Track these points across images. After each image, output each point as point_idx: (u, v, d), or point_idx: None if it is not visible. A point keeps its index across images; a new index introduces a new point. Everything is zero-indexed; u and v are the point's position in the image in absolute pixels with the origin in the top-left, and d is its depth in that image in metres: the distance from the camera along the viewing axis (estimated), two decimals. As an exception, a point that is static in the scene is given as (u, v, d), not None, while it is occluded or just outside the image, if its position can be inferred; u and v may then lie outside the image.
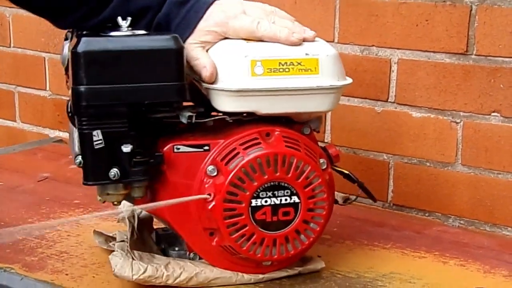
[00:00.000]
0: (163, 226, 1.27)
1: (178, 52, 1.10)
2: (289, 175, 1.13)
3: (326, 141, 1.64)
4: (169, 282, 1.15)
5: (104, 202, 1.16)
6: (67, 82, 1.16)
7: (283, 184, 1.13)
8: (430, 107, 1.52)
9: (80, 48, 1.06)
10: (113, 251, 1.18)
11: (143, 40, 1.11)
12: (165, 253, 1.22)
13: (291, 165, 1.13)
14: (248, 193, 1.12)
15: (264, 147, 1.13)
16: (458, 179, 1.51)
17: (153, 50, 1.09)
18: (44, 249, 1.31)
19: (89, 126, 1.09)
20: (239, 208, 1.12)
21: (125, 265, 1.14)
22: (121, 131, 1.10)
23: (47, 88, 2.08)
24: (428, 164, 1.54)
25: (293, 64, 1.15)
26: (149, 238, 1.24)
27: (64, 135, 2.06)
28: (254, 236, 1.13)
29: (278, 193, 1.13)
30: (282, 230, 1.15)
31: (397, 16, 1.53)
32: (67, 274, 1.22)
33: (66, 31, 1.23)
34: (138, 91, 1.09)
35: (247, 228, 1.13)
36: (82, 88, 1.07)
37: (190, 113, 1.14)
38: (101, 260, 1.26)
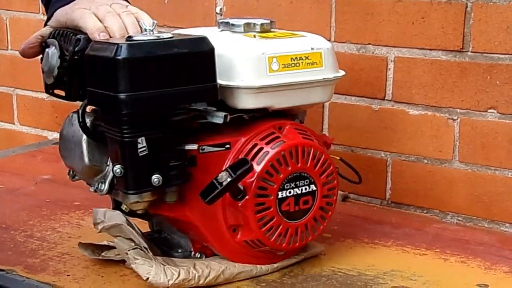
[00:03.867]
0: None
1: (212, 53, 1.12)
2: (308, 164, 1.17)
3: (324, 139, 1.64)
4: (201, 282, 1.17)
5: (129, 211, 1.17)
6: (50, 88, 1.19)
7: (303, 174, 1.17)
8: (427, 105, 1.52)
9: (122, 55, 1.04)
10: (109, 260, 1.22)
11: (179, 44, 1.10)
12: (168, 256, 1.23)
13: (309, 155, 1.17)
14: (275, 186, 1.15)
15: (286, 140, 1.16)
16: (456, 176, 1.51)
17: (191, 53, 1.10)
18: (46, 251, 1.31)
19: (133, 133, 1.08)
20: (267, 202, 1.15)
21: (158, 271, 1.14)
22: (163, 136, 1.10)
23: (45, 90, 2.08)
24: (425, 161, 1.55)
25: (302, 59, 1.20)
26: (150, 243, 1.25)
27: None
28: (280, 227, 1.17)
29: (299, 183, 1.17)
30: (303, 218, 1.19)
31: (393, 14, 1.53)
32: (68, 275, 1.22)
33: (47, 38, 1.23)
34: (179, 94, 1.09)
35: (274, 220, 1.16)
36: (123, 95, 1.05)
37: (224, 113, 1.15)
38: (102, 261, 1.26)
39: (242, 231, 1.17)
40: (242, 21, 1.23)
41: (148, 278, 1.14)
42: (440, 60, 1.49)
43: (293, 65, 1.19)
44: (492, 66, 1.44)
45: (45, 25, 1.25)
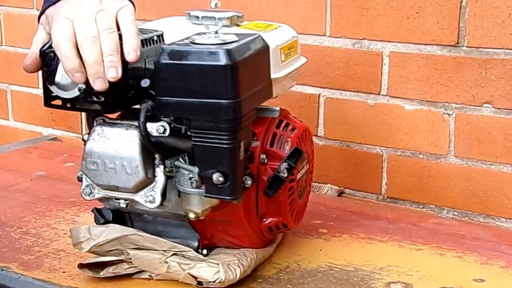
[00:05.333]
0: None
1: (268, 50, 1.15)
2: (307, 146, 1.24)
3: (319, 135, 1.64)
4: (250, 269, 1.18)
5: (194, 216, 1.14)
6: (68, 102, 1.11)
7: (305, 155, 1.22)
8: (422, 100, 1.52)
9: (230, 61, 1.03)
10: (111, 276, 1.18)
11: (252, 44, 1.11)
12: None
13: (310, 135, 1.26)
14: (297, 169, 1.20)
15: (296, 126, 1.21)
16: (451, 170, 1.52)
17: (260, 52, 1.13)
18: (41, 248, 1.31)
19: (237, 139, 1.07)
20: (293, 185, 1.20)
21: (225, 269, 1.14)
22: (251, 139, 1.13)
23: (40, 86, 2.07)
24: (421, 156, 1.55)
25: (291, 48, 1.25)
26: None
27: (58, 133, 2.06)
28: (297, 208, 1.23)
29: (303, 164, 1.22)
30: (304, 196, 1.27)
31: (388, 9, 1.53)
32: (64, 272, 1.22)
33: None
34: (260, 94, 1.13)
35: (295, 202, 1.22)
36: (233, 102, 1.04)
37: (278, 107, 1.21)
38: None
39: (270, 217, 1.20)
40: (227, 14, 1.19)
41: (219, 279, 1.13)
42: (435, 55, 1.49)
43: (289, 54, 1.24)
44: (487, 61, 1.44)
45: (39, 20, 1.19)
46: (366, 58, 1.57)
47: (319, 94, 1.63)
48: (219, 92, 1.04)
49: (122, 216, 1.23)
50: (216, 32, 1.09)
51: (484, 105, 1.46)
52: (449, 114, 1.50)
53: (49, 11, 1.14)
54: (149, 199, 1.11)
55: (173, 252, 1.16)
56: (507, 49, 1.42)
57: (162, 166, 1.11)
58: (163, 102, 1.07)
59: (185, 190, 1.11)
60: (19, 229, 1.39)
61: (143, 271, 1.18)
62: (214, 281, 1.13)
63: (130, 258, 1.17)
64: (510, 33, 1.41)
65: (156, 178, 1.11)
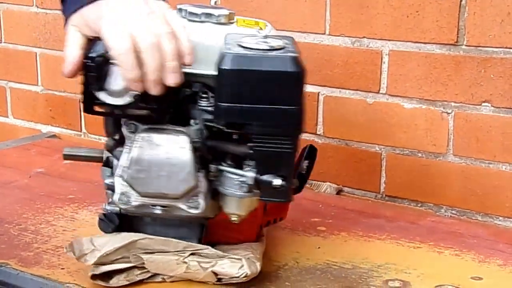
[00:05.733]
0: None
1: None
2: None
3: (318, 133, 1.65)
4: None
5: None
6: (121, 108, 1.07)
7: None
8: (421, 98, 1.52)
9: (299, 68, 1.04)
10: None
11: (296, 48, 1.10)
12: None
13: None
14: None
15: None
16: (450, 169, 1.52)
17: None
18: (40, 244, 1.31)
19: (297, 143, 1.08)
20: None
21: (248, 263, 1.14)
22: None
23: (39, 83, 2.08)
24: (420, 154, 1.55)
25: None
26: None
27: (57, 130, 2.06)
28: None
29: None
30: None
31: (387, 8, 1.53)
32: (63, 269, 1.22)
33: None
34: None
35: None
36: (299, 108, 1.05)
37: None
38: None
39: (272, 212, 1.21)
40: (225, 11, 1.17)
41: (244, 273, 1.13)
42: (434, 53, 1.50)
43: None
44: (487, 60, 1.44)
45: (66, 21, 1.10)
46: (366, 56, 1.57)
47: (318, 93, 1.63)
48: (287, 99, 1.04)
49: (127, 220, 1.20)
50: (266, 37, 1.08)
51: (483, 104, 1.46)
52: (448, 113, 1.50)
53: (85, 12, 1.06)
54: (193, 204, 1.10)
55: (190, 252, 1.15)
56: (506, 48, 1.42)
57: (204, 171, 1.10)
58: (226, 108, 1.05)
59: (234, 195, 1.11)
60: (18, 225, 1.39)
61: (156, 274, 1.16)
62: (239, 276, 1.13)
63: (143, 263, 1.14)
64: (510, 32, 1.41)
65: (198, 183, 1.10)
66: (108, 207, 1.16)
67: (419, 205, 1.56)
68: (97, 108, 1.07)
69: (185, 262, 1.14)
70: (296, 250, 1.28)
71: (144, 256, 1.14)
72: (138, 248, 1.14)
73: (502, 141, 1.45)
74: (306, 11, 1.62)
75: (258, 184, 1.08)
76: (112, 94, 1.05)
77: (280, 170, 1.07)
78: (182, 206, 1.10)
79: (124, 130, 1.10)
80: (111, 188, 1.13)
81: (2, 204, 1.49)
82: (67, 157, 1.22)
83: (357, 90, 1.60)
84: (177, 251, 1.14)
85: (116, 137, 1.13)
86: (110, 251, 1.13)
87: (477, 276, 1.20)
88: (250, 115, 1.05)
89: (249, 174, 1.08)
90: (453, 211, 1.53)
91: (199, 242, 1.18)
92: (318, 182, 1.63)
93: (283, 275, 1.20)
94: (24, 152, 1.87)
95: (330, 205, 1.50)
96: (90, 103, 1.06)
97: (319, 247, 1.30)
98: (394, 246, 1.32)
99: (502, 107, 1.44)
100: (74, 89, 2.01)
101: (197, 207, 1.10)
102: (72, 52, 1.05)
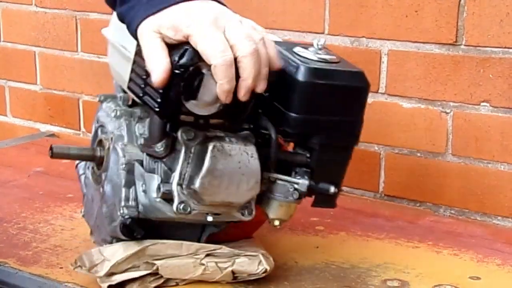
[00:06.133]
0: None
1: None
2: None
3: (317, 132, 1.64)
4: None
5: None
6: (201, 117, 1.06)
7: None
8: (420, 98, 1.52)
9: (366, 83, 1.13)
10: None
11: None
12: None
13: None
14: None
15: None
16: (449, 169, 1.52)
17: None
18: (39, 243, 1.31)
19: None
20: None
21: (266, 259, 1.15)
22: None
23: (38, 82, 2.08)
24: (418, 154, 1.55)
25: None
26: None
27: (56, 129, 2.06)
28: None
29: None
30: None
31: (386, 7, 1.53)
32: (61, 268, 1.22)
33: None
34: None
35: None
36: (360, 118, 1.14)
37: None
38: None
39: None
40: None
41: (263, 269, 1.14)
42: (433, 53, 1.50)
43: None
44: (486, 60, 1.44)
45: (137, 28, 1.04)
46: (365, 56, 1.57)
47: (317, 92, 1.63)
48: (353, 111, 1.12)
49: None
50: (320, 49, 1.11)
51: (482, 103, 1.46)
52: (447, 113, 1.50)
53: (171, 15, 1.01)
54: (247, 211, 1.11)
55: (206, 253, 1.14)
56: (505, 47, 1.42)
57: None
58: (296, 118, 1.08)
59: (285, 201, 1.13)
60: (17, 224, 1.39)
61: (168, 279, 1.14)
62: (258, 273, 1.14)
63: (157, 270, 1.13)
64: (508, 32, 1.41)
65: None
66: (126, 211, 1.11)
67: (418, 204, 1.56)
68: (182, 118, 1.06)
69: (203, 264, 1.13)
70: (295, 250, 1.28)
71: (158, 262, 1.12)
72: (148, 255, 1.12)
73: (501, 141, 1.45)
74: (305, 11, 1.62)
75: (311, 191, 1.12)
76: (199, 105, 1.03)
77: (333, 178, 1.12)
78: (237, 213, 1.11)
79: (181, 137, 1.07)
80: (168, 195, 1.08)
81: (1, 203, 1.49)
82: (56, 155, 1.18)
83: (356, 89, 1.59)
84: (191, 254, 1.14)
85: (160, 144, 1.10)
86: (121, 260, 1.11)
87: (475, 276, 1.20)
88: (319, 126, 1.10)
89: (303, 181, 1.11)
90: (452, 211, 1.53)
91: (198, 242, 1.18)
92: (317, 182, 1.63)
93: (281, 274, 1.20)
94: (23, 151, 1.88)
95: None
96: (176, 112, 1.04)
97: (317, 247, 1.30)
98: (392, 245, 1.32)
99: (501, 107, 1.44)
100: (73, 88, 2.01)
101: (251, 213, 1.12)
102: (162, 61, 1.00)
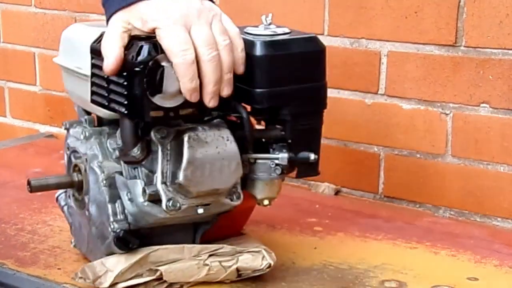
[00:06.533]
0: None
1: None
2: None
3: (316, 133, 1.64)
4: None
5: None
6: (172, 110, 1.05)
7: None
8: (420, 99, 1.52)
9: (323, 46, 1.15)
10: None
11: None
12: None
13: None
14: None
15: None
16: (448, 170, 1.51)
17: None
18: (36, 244, 1.31)
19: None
20: None
21: (268, 253, 1.17)
22: None
23: (38, 83, 2.08)
24: (418, 155, 1.55)
25: None
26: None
27: (55, 130, 2.06)
28: None
29: None
30: None
31: (386, 9, 1.53)
32: (59, 269, 1.22)
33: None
34: None
35: None
36: (324, 82, 1.16)
37: None
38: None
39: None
40: None
41: (267, 264, 1.15)
42: (433, 54, 1.49)
43: None
44: (485, 61, 1.44)
45: (109, 19, 1.06)
46: (364, 57, 1.57)
47: (317, 93, 1.63)
48: (315, 76, 1.13)
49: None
50: (270, 24, 1.15)
51: (482, 105, 1.46)
52: (447, 114, 1.50)
53: (143, 8, 1.02)
54: (235, 196, 1.12)
55: (208, 254, 1.14)
56: (504, 49, 1.42)
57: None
58: (263, 94, 1.10)
59: (269, 178, 1.14)
60: (15, 225, 1.39)
61: (172, 284, 1.14)
62: (262, 268, 1.15)
63: (161, 275, 1.12)
64: (508, 33, 1.41)
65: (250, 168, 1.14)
66: (117, 225, 1.12)
67: (417, 206, 1.56)
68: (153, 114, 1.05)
69: (207, 265, 1.14)
70: (293, 251, 1.28)
71: (161, 268, 1.12)
72: (150, 262, 1.12)
73: (501, 142, 1.45)
74: (304, 12, 1.62)
75: (292, 164, 1.13)
76: (166, 97, 1.03)
77: (311, 145, 1.14)
78: (225, 200, 1.11)
79: (155, 136, 1.07)
80: (155, 196, 1.09)
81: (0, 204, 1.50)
82: (35, 188, 1.19)
83: (355, 91, 1.59)
84: (194, 256, 1.14)
85: (135, 148, 1.10)
86: (124, 269, 1.11)
87: (473, 277, 1.20)
88: (286, 97, 1.11)
89: (283, 155, 1.13)
90: (451, 212, 1.52)
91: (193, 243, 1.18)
92: (316, 183, 1.63)
93: (279, 275, 1.20)
94: (22, 152, 1.88)
95: (327, 205, 1.50)
96: (147, 109, 1.03)
97: (315, 248, 1.30)
98: (390, 246, 1.32)
99: (501, 108, 1.44)
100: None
101: (239, 197, 1.12)
102: (115, 48, 1.01)
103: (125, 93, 1.02)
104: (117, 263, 1.12)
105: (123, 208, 1.12)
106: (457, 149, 1.50)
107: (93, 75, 1.09)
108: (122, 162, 1.13)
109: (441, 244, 1.33)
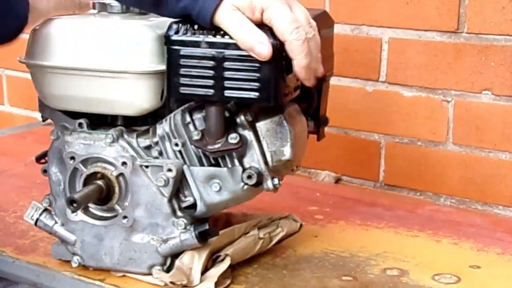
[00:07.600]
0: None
1: None
2: None
3: (317, 121, 1.64)
4: None
5: None
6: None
7: None
8: (421, 86, 1.52)
9: None
10: None
11: None
12: None
13: None
14: None
15: None
16: (449, 158, 1.51)
17: None
18: (36, 232, 1.30)
19: None
20: None
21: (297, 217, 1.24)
22: None
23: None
24: (419, 143, 1.54)
25: None
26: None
27: (54, 118, 2.05)
28: None
29: None
30: None
31: (387, -5, 1.52)
32: (58, 257, 1.22)
33: None
34: None
35: None
36: None
37: None
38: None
39: None
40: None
41: (300, 223, 1.23)
42: (434, 41, 1.49)
43: None
44: (487, 47, 1.43)
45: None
46: (365, 44, 1.56)
47: (317, 80, 1.62)
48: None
49: None
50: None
51: (484, 92, 1.45)
52: (448, 101, 1.49)
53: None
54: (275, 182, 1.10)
55: (256, 227, 1.18)
56: (507, 35, 1.41)
57: None
58: None
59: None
60: (14, 213, 1.39)
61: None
62: (297, 229, 1.23)
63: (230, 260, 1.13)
64: (510, 19, 1.40)
65: None
66: (184, 222, 1.10)
67: (418, 194, 1.56)
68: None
69: (261, 238, 1.17)
70: (294, 239, 1.27)
71: (229, 251, 1.13)
72: (213, 250, 1.13)
73: (503, 129, 1.44)
74: (305, -2, 1.61)
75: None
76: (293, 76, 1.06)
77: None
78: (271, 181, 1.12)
79: (246, 120, 1.07)
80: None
81: (-2, 192, 1.49)
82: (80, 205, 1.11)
83: (356, 78, 1.59)
84: (245, 234, 1.17)
85: (233, 136, 1.07)
86: (204, 262, 1.11)
87: (475, 265, 1.20)
88: None
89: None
90: (452, 200, 1.52)
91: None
92: (317, 171, 1.62)
93: (280, 263, 1.19)
94: (20, 140, 1.87)
95: (328, 193, 1.49)
96: (282, 91, 1.04)
97: (316, 236, 1.29)
98: (392, 234, 1.32)
99: (503, 95, 1.43)
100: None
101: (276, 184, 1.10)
102: (260, 33, 1.00)
103: (259, 77, 1.01)
104: (191, 257, 1.10)
105: (179, 203, 1.10)
106: (458, 137, 1.49)
107: (182, 66, 1.04)
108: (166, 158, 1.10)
109: (442, 232, 1.32)
